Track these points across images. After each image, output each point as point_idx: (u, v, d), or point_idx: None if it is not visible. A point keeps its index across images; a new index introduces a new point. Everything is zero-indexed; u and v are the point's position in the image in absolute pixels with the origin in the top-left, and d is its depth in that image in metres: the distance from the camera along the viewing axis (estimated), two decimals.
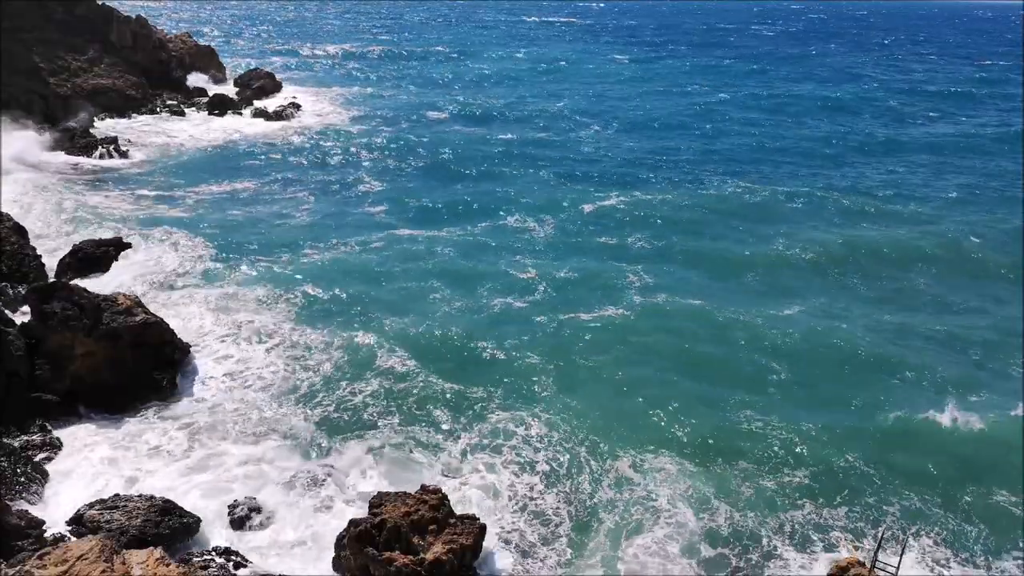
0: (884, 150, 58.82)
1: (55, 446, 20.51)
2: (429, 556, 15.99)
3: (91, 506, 17.70)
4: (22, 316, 24.54)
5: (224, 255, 33.73)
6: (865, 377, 25.53)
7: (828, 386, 24.98)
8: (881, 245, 36.70)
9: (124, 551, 13.94)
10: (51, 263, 31.08)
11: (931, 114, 74.60)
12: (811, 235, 37.69)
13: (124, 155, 49.74)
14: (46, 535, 16.72)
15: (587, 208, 41.85)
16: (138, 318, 23.73)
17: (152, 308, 25.54)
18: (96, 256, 31.17)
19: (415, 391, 23.85)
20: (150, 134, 56.89)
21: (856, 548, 17.91)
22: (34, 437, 20.49)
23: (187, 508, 18.16)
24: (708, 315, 29.24)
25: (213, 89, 71.81)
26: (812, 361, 26.24)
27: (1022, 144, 59.26)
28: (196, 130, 59.53)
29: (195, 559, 16.57)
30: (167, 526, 17.30)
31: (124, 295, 24.94)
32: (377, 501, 17.43)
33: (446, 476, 20.10)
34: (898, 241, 37.50)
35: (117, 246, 32.17)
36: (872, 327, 28.93)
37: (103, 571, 12.83)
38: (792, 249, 35.72)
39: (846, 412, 23.54)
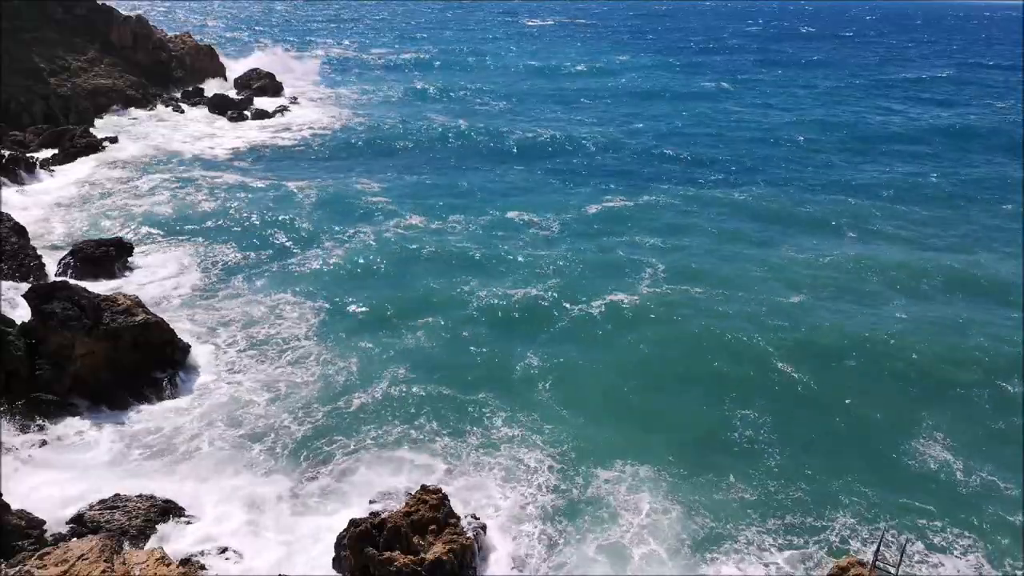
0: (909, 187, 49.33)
1: (55, 446, 20.50)
2: (429, 556, 16.00)
3: (91, 506, 17.71)
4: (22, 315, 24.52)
5: (225, 255, 33.77)
6: (866, 376, 25.54)
7: (828, 387, 24.93)
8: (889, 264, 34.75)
9: (124, 551, 13.94)
10: (51, 263, 31.09)
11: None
12: (822, 247, 37.20)
13: (124, 155, 49.69)
14: (46, 535, 16.72)
15: (591, 209, 41.83)
16: (138, 318, 23.75)
17: (153, 308, 25.54)
18: (96, 256, 31.14)
19: (415, 392, 23.86)
20: (150, 134, 56.86)
21: (856, 548, 17.91)
22: (34, 437, 20.51)
23: (187, 508, 18.17)
24: (709, 316, 29.28)
25: (213, 89, 71.80)
26: (813, 363, 26.19)
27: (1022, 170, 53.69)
28: (196, 130, 59.53)
29: (195, 559, 16.57)
30: (167, 526, 17.30)
31: (124, 295, 24.95)
32: (377, 501, 17.44)
33: (447, 476, 20.11)
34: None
35: (118, 247, 32.15)
36: (881, 320, 29.03)
37: (103, 571, 12.84)
38: (798, 258, 35.61)
39: (847, 413, 23.52)
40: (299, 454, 20.92)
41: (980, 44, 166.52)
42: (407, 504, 17.07)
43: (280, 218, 39.44)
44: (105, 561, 13.04)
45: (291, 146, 55.71)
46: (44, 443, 20.49)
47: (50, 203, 39.89)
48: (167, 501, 17.99)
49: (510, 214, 40.89)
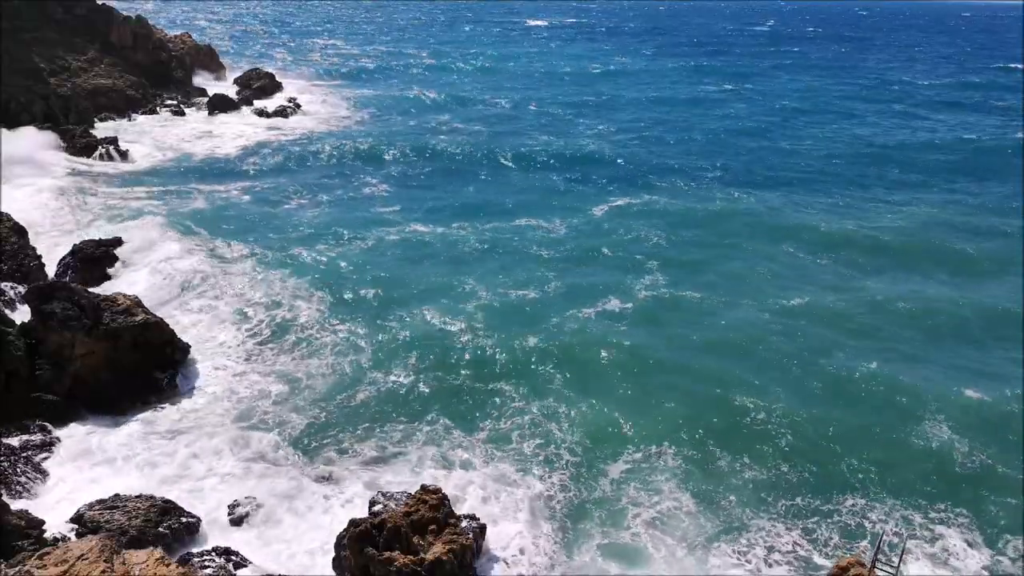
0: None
1: (55, 446, 20.51)
2: (429, 556, 15.98)
3: (91, 506, 17.70)
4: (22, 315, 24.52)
5: (225, 255, 33.71)
6: (867, 375, 25.50)
7: (831, 385, 24.93)
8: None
9: (124, 551, 13.91)
10: (51, 263, 31.05)
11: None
12: (824, 251, 37.04)
13: (124, 155, 49.71)
14: (46, 535, 16.70)
15: (598, 212, 41.79)
16: (138, 318, 23.74)
17: (153, 308, 25.52)
18: (96, 256, 31.13)
19: (416, 391, 23.87)
20: (150, 134, 56.86)
21: (856, 548, 17.91)
22: (34, 437, 20.51)
23: (186, 508, 18.16)
24: (713, 314, 29.29)
25: (213, 89, 71.79)
26: (815, 361, 26.21)
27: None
28: (196, 130, 59.51)
29: (195, 559, 16.57)
30: (167, 526, 17.32)
31: (124, 295, 24.93)
32: (377, 501, 17.43)
33: (446, 475, 20.09)
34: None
35: (117, 246, 32.15)
36: (880, 316, 29.07)
37: (103, 571, 12.80)
38: (800, 261, 35.63)
39: (849, 412, 23.50)
40: (299, 453, 20.91)
41: (982, 45, 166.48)
42: (407, 504, 17.05)
43: (279, 218, 39.44)
44: (105, 561, 13.00)
45: (291, 146, 55.62)
46: (43, 443, 20.46)
47: (50, 203, 39.84)
48: (166, 501, 17.98)
49: (514, 215, 40.85)
